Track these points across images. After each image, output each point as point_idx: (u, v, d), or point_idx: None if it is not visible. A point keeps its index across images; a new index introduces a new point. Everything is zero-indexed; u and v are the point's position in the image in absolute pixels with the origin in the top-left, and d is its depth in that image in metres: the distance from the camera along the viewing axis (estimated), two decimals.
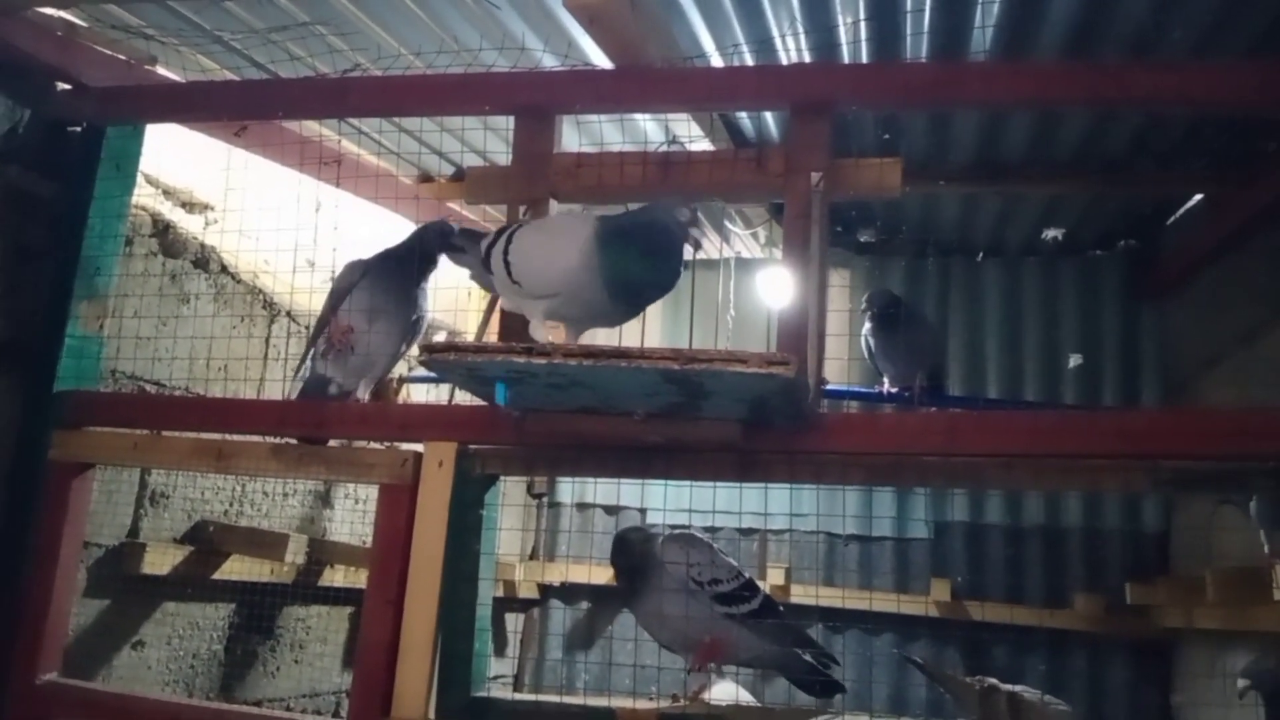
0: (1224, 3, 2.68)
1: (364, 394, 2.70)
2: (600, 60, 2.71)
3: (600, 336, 2.87)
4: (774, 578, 4.60)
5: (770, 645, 2.53)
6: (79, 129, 2.92)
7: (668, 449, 2.35)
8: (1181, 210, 4.34)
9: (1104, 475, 2.38)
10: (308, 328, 3.61)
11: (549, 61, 2.75)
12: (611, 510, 4.98)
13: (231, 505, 3.40)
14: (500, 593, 4.54)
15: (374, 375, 2.72)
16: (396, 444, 2.64)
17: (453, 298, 3.16)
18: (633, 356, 1.89)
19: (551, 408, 2.26)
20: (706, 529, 4.73)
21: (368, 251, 2.70)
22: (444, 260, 2.65)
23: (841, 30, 2.75)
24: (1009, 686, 3.48)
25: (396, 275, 2.64)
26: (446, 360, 1.98)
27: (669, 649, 2.60)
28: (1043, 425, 2.29)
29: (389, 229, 3.62)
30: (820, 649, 2.67)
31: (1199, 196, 4.11)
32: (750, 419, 2.21)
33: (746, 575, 2.57)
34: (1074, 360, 4.62)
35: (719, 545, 4.70)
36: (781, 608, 2.60)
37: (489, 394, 2.29)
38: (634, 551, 2.58)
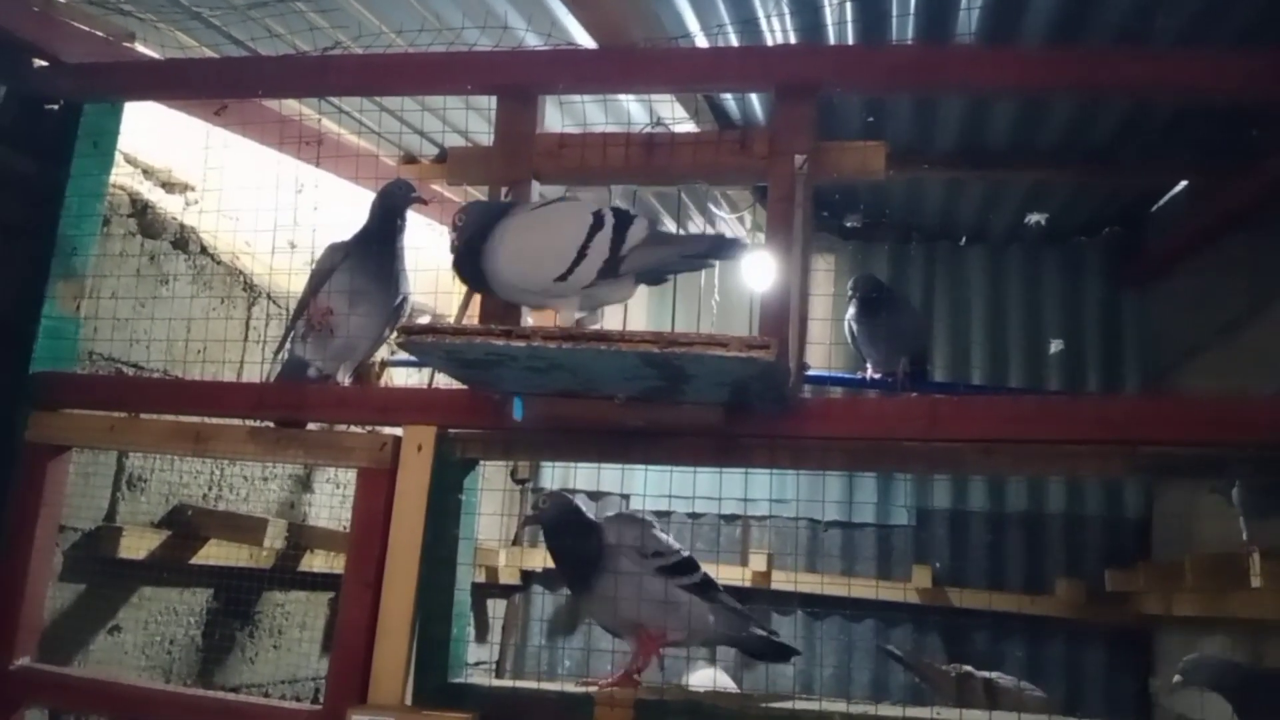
0: None
1: (344, 378, 2.67)
2: (584, 40, 2.68)
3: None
4: (755, 564, 4.61)
5: (723, 614, 2.51)
6: (56, 106, 2.88)
7: (648, 433, 2.34)
8: (1165, 198, 4.35)
9: (1083, 461, 2.38)
10: (288, 310, 3.57)
11: (532, 41, 2.72)
12: (594, 495, 4.97)
13: (210, 489, 3.37)
14: (482, 578, 4.53)
15: (355, 359, 2.69)
16: (377, 428, 2.62)
17: (433, 280, 3.13)
18: (613, 340, 1.87)
19: (532, 391, 2.25)
20: (689, 515, 4.74)
21: (348, 233, 2.67)
22: (424, 243, 2.63)
23: (827, 11, 2.73)
24: (984, 673, 3.51)
25: (377, 256, 2.61)
26: (425, 343, 1.95)
27: (614, 634, 2.58)
28: (1024, 411, 2.28)
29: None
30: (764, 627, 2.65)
31: (1183, 184, 4.11)
32: (731, 403, 2.20)
33: (686, 553, 2.55)
34: (1055, 346, 4.63)
35: (701, 531, 4.76)
36: (721, 586, 2.57)
37: (469, 377, 2.27)
38: (580, 553, 2.53)
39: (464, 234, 2.25)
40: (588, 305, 2.30)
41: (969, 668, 3.72)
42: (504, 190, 2.52)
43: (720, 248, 2.32)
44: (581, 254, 2.18)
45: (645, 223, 2.24)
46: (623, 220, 2.21)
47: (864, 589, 4.51)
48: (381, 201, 2.65)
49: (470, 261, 2.24)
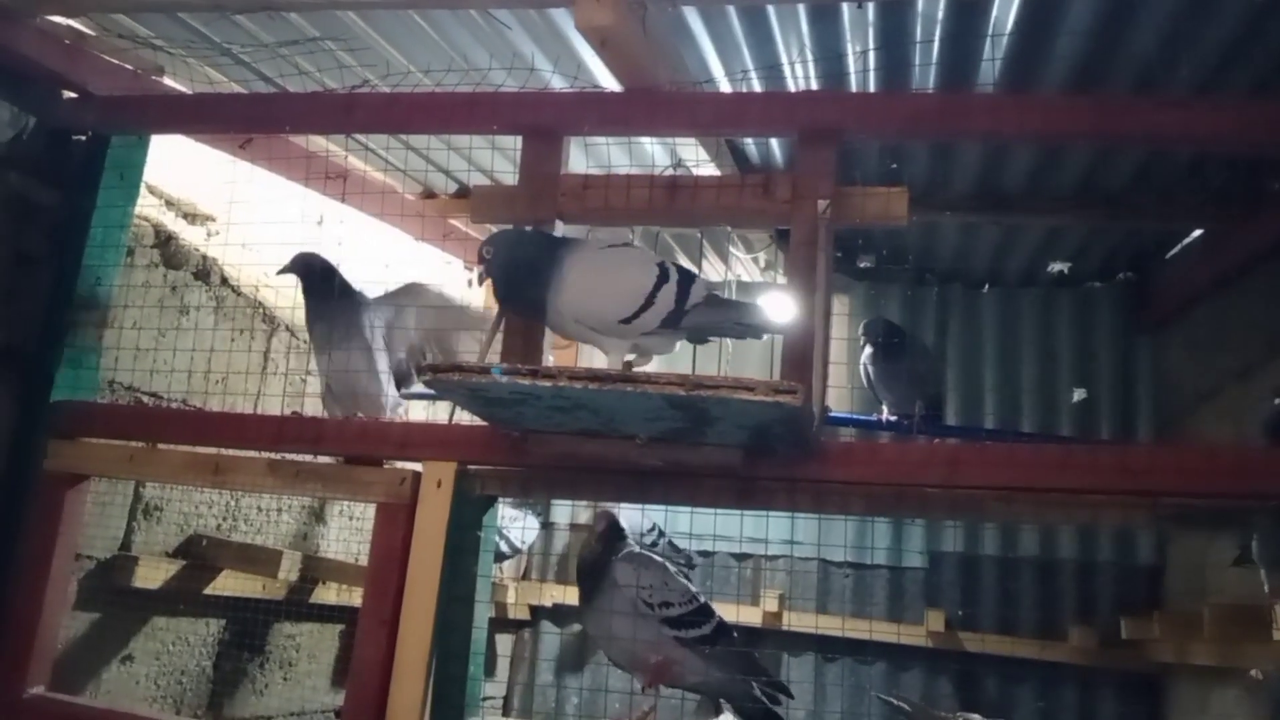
0: (1231, 41, 2.70)
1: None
2: (609, 83, 2.71)
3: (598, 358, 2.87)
4: (768, 604, 4.58)
5: (718, 672, 2.52)
6: (83, 138, 2.91)
7: (668, 474, 2.34)
8: (1181, 245, 4.36)
9: (1104, 509, 2.37)
10: (307, 342, 3.59)
11: (558, 83, 2.75)
12: None
13: (225, 520, 3.37)
14: (491, 613, 4.51)
15: None
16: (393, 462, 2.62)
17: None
18: (639, 381, 1.88)
19: (553, 429, 2.25)
20: (700, 553, 4.73)
21: (371, 265, 2.72)
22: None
23: (850, 59, 2.76)
24: None
25: None
26: (450, 381, 1.96)
27: (619, 667, 2.61)
28: (1045, 459, 2.27)
29: (393, 245, 3.63)
30: (772, 679, 2.65)
31: (1199, 232, 4.13)
32: (752, 445, 2.20)
33: (701, 599, 2.56)
34: (1077, 395, 4.62)
35: (712, 570, 4.74)
36: (735, 633, 2.59)
37: (491, 414, 2.27)
38: (589, 565, 2.58)
39: (495, 265, 2.24)
40: (635, 353, 2.33)
41: (976, 717, 3.67)
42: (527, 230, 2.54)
43: (765, 324, 2.38)
44: (649, 301, 2.21)
45: (704, 284, 2.28)
46: (686, 277, 2.24)
47: (878, 632, 4.48)
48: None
49: (525, 292, 2.24)
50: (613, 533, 2.61)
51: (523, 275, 2.23)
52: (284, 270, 2.78)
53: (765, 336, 2.49)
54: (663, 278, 2.21)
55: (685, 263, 4.61)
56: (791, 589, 4.71)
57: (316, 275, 2.74)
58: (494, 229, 3.63)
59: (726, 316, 2.31)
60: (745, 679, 2.55)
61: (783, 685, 2.66)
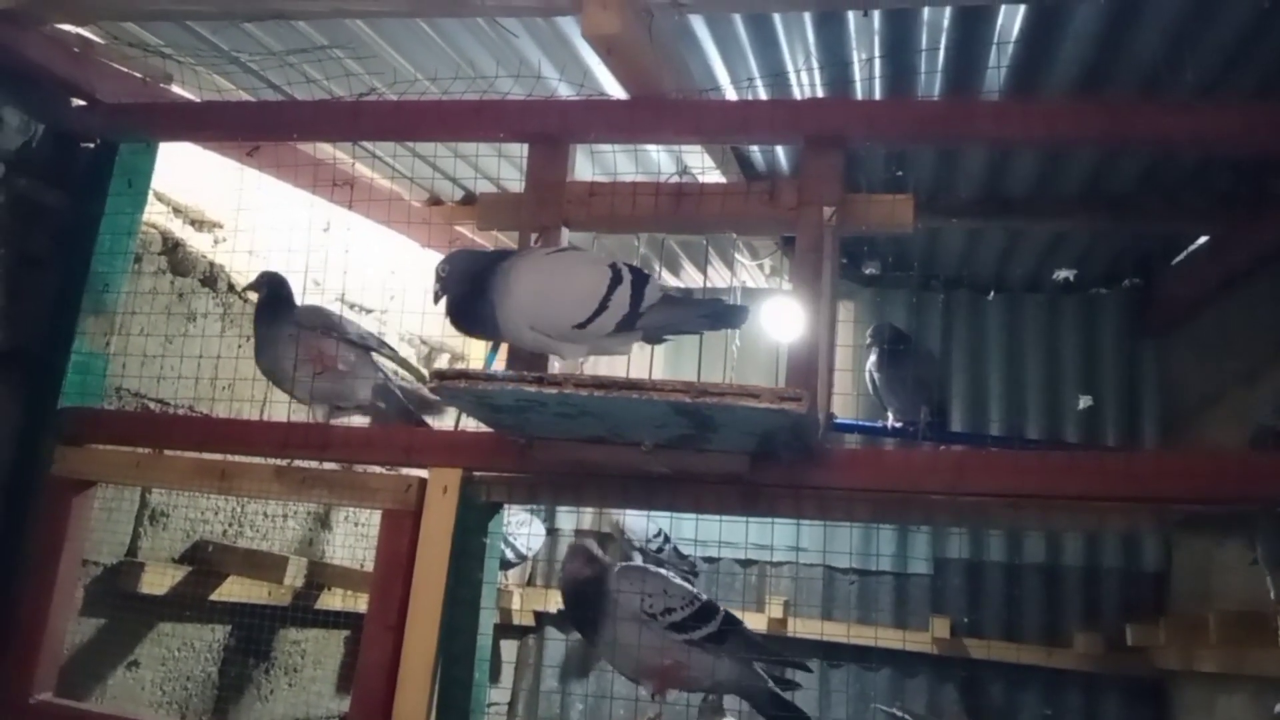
0: (1235, 45, 2.70)
1: None
2: (615, 90, 2.72)
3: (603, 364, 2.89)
4: (773, 610, 4.58)
5: (730, 667, 2.53)
6: (92, 145, 2.93)
7: (673, 480, 2.34)
8: (1185, 252, 4.36)
9: (1110, 516, 2.37)
10: None
11: (564, 90, 2.76)
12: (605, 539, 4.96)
13: (231, 525, 3.38)
14: (496, 619, 4.51)
15: None
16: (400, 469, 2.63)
17: None
18: (644, 388, 1.89)
19: (559, 436, 2.26)
20: (706, 559, 4.73)
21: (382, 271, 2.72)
22: None
23: (856, 66, 2.76)
24: None
25: None
26: (457, 388, 1.97)
27: (630, 679, 2.62)
28: (1049, 466, 2.27)
29: (399, 251, 3.64)
30: (785, 659, 2.66)
31: (1204, 239, 4.12)
32: (758, 452, 2.20)
33: (704, 598, 2.57)
34: (1084, 402, 4.61)
35: (717, 576, 4.74)
36: (744, 623, 2.59)
37: (496, 421, 2.28)
38: (586, 586, 2.59)
39: (450, 282, 2.24)
40: (591, 354, 2.32)
41: None
42: (533, 237, 2.55)
43: (728, 315, 2.36)
44: (603, 305, 2.18)
45: (659, 284, 2.27)
46: (640, 278, 2.23)
47: (883, 638, 4.47)
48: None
49: (474, 306, 2.23)
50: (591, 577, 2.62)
51: (470, 292, 2.22)
52: (249, 288, 2.83)
53: (740, 329, 2.47)
54: (616, 279, 2.19)
55: (691, 270, 4.62)
56: (796, 595, 4.70)
57: (284, 293, 2.77)
58: (500, 235, 3.68)
59: (686, 313, 2.31)
60: (759, 675, 2.56)
61: (800, 664, 2.67)
